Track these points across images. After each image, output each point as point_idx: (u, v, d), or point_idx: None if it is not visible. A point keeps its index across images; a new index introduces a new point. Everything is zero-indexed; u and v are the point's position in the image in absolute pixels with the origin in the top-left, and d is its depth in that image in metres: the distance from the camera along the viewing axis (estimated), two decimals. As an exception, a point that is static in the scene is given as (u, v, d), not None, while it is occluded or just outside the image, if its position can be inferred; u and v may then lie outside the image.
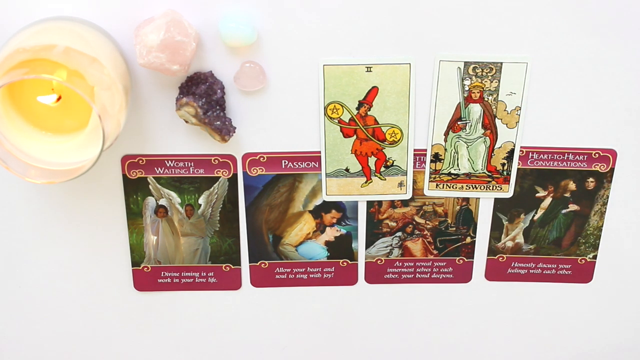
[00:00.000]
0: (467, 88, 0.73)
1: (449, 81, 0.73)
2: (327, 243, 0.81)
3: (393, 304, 0.84)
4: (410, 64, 0.72)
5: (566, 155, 0.77)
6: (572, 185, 0.78)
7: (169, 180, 0.77)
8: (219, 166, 0.76)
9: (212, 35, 0.70)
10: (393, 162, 0.76)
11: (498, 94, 0.73)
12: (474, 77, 0.73)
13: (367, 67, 0.72)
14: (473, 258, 0.82)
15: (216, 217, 0.79)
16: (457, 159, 0.76)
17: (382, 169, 0.77)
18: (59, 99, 0.66)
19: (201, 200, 0.78)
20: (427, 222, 0.80)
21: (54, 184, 0.76)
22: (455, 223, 0.80)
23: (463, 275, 0.83)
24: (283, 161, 0.76)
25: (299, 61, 0.71)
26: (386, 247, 0.81)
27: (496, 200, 0.79)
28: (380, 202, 0.79)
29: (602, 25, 0.71)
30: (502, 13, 0.70)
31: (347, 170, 0.77)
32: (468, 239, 0.81)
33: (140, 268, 0.81)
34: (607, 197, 0.79)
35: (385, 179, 0.77)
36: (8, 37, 0.66)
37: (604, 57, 0.72)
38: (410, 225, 0.80)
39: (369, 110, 0.74)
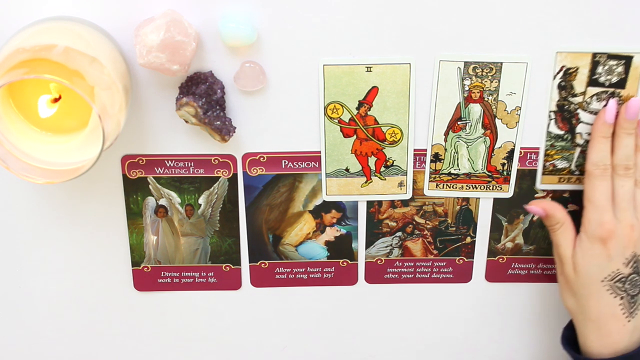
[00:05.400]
0: (467, 88, 0.73)
1: (449, 81, 0.73)
2: (327, 243, 0.81)
3: (393, 304, 0.84)
4: (410, 64, 0.72)
5: (566, 155, 0.77)
6: (572, 185, 0.78)
7: (169, 180, 0.77)
8: (219, 166, 0.76)
9: (212, 35, 0.70)
10: (393, 162, 0.76)
11: (498, 94, 0.73)
12: (474, 77, 0.73)
13: (367, 67, 0.72)
14: (473, 258, 0.82)
15: (216, 217, 0.79)
16: (457, 159, 0.76)
17: (382, 169, 0.77)
18: (58, 98, 0.66)
19: (201, 200, 0.78)
20: (427, 222, 0.80)
21: (54, 184, 0.76)
22: (455, 223, 0.80)
23: (463, 275, 0.83)
24: (283, 161, 0.76)
25: (299, 61, 0.71)
26: (386, 247, 0.81)
27: (495, 201, 0.79)
28: (380, 202, 0.79)
29: (602, 26, 0.71)
30: (502, 13, 0.70)
31: (347, 170, 0.77)
32: (468, 239, 0.81)
33: (140, 268, 0.81)
34: (607, 197, 0.79)
35: (385, 179, 0.77)
36: (8, 37, 0.66)
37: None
38: (410, 225, 0.80)
39: (369, 110, 0.74)
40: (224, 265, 0.81)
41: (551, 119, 0.75)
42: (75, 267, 0.81)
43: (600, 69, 0.72)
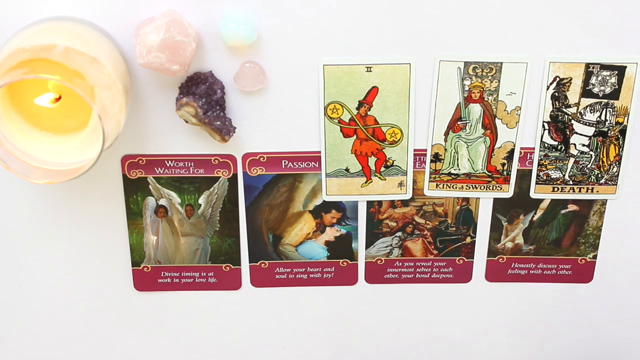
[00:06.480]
0: (467, 88, 0.73)
1: (449, 81, 0.73)
2: (327, 243, 0.81)
3: (393, 304, 0.84)
4: (410, 64, 0.72)
5: (566, 155, 0.77)
6: (572, 185, 0.78)
7: (169, 180, 0.77)
8: (219, 166, 0.76)
9: (212, 35, 0.70)
10: (393, 162, 0.76)
11: (498, 94, 0.73)
12: (474, 77, 0.73)
13: (367, 67, 0.72)
14: (473, 258, 0.82)
15: (216, 217, 0.79)
16: (457, 159, 0.76)
17: (382, 169, 0.77)
18: (58, 98, 0.66)
19: (201, 200, 0.78)
20: (427, 222, 0.80)
21: (54, 184, 0.76)
22: (455, 223, 0.80)
23: (463, 275, 0.83)
24: (283, 161, 0.76)
25: (299, 61, 0.71)
26: (386, 247, 0.81)
27: (495, 201, 0.79)
28: (380, 202, 0.79)
29: (602, 26, 0.71)
30: (502, 13, 0.70)
31: (347, 170, 0.77)
32: (468, 239, 0.81)
33: (140, 268, 0.81)
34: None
35: (385, 179, 0.77)
36: (8, 37, 0.66)
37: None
38: (410, 225, 0.80)
39: (369, 110, 0.74)
40: (224, 265, 0.81)
41: (545, 129, 0.75)
42: (75, 267, 0.81)
43: (593, 80, 0.72)
